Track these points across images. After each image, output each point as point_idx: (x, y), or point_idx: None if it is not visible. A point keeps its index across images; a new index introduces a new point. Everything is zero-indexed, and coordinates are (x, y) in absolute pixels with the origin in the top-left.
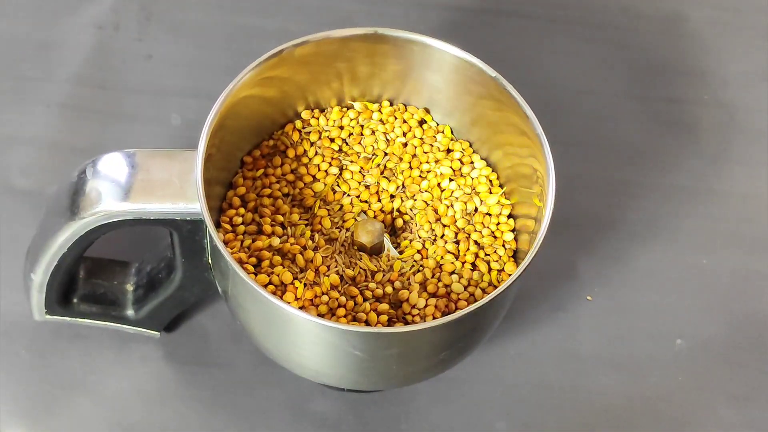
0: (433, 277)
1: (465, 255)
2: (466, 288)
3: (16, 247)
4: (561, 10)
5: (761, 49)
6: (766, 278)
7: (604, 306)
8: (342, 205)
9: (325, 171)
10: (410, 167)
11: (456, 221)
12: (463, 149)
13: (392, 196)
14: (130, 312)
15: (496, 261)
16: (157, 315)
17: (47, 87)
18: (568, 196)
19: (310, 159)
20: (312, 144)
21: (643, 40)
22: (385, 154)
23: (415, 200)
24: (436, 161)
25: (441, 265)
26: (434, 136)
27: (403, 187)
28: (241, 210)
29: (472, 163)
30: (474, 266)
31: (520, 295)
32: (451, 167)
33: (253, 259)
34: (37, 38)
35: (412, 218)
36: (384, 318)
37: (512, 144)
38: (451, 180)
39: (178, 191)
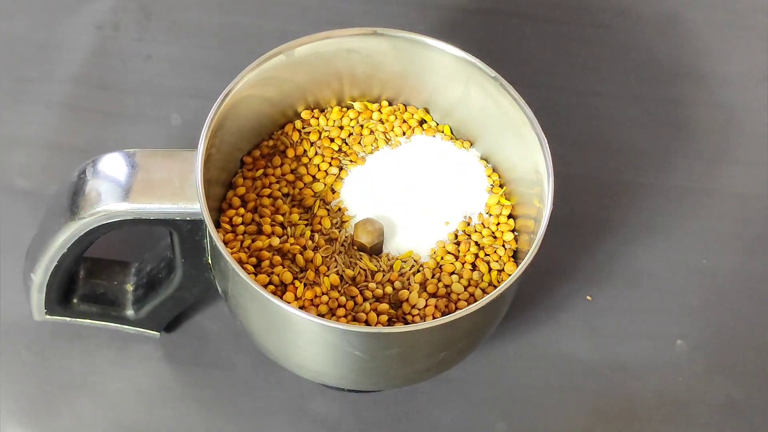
0: (433, 277)
1: (465, 255)
2: (466, 288)
3: (16, 247)
4: (561, 10)
5: (761, 49)
6: (766, 278)
7: (604, 306)
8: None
9: (325, 171)
10: None
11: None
12: (463, 149)
13: None
14: (130, 312)
15: (496, 261)
16: (157, 315)
17: (47, 87)
18: (568, 196)
19: (310, 159)
20: (312, 144)
21: (643, 40)
22: None
23: None
24: None
25: (441, 265)
26: (434, 136)
27: None
28: (241, 210)
29: None
30: (474, 266)
31: (520, 295)
32: None
33: (253, 259)
34: (37, 38)
35: None
36: (384, 318)
37: (512, 144)
38: None
39: (178, 191)
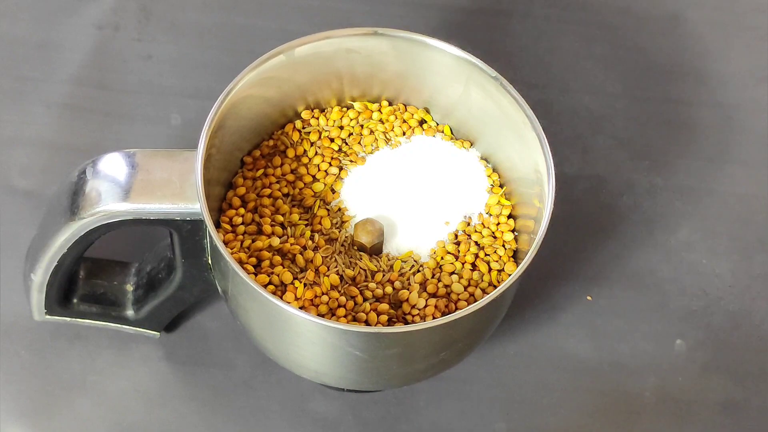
0: (433, 277)
1: (465, 255)
2: (466, 288)
3: (16, 247)
4: (561, 10)
5: (761, 49)
6: (766, 279)
7: (604, 306)
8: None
9: (325, 171)
10: None
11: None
12: (463, 149)
13: None
14: (130, 312)
15: (496, 261)
16: (157, 315)
17: (47, 87)
18: (568, 196)
19: (310, 159)
20: (312, 144)
21: (643, 40)
22: None
23: None
24: None
25: (441, 265)
26: (434, 136)
27: None
28: (241, 210)
29: None
30: (474, 266)
31: (520, 295)
32: None
33: (253, 259)
34: (37, 38)
35: None
36: (384, 318)
37: (512, 144)
38: None
39: (178, 191)
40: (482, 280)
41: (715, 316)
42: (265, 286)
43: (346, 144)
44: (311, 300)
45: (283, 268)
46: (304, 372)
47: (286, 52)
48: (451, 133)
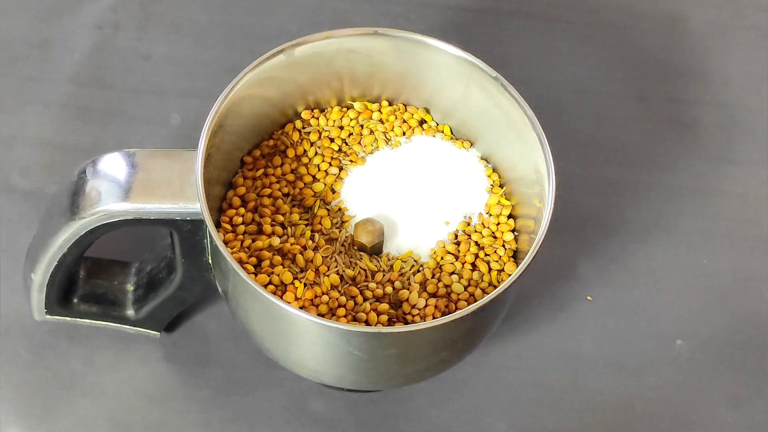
0: (433, 277)
1: (465, 255)
2: (466, 288)
3: (16, 247)
4: (561, 9)
5: (761, 49)
6: (766, 278)
7: (604, 306)
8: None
9: (325, 171)
10: None
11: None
12: (463, 149)
13: None
14: (130, 312)
15: (496, 261)
16: (157, 315)
17: (47, 87)
18: (568, 196)
19: (310, 159)
20: (312, 144)
21: (643, 40)
22: None
23: None
24: None
25: (441, 265)
26: (434, 136)
27: None
28: (241, 210)
29: None
30: (474, 266)
31: (520, 295)
32: None
33: (253, 259)
34: (37, 38)
35: None
36: (384, 318)
37: (512, 144)
38: None
39: (178, 191)
40: (482, 280)
41: (715, 316)
42: (265, 286)
43: (346, 144)
44: (311, 300)
45: (283, 268)
46: (304, 372)
47: (286, 52)
48: (451, 133)
